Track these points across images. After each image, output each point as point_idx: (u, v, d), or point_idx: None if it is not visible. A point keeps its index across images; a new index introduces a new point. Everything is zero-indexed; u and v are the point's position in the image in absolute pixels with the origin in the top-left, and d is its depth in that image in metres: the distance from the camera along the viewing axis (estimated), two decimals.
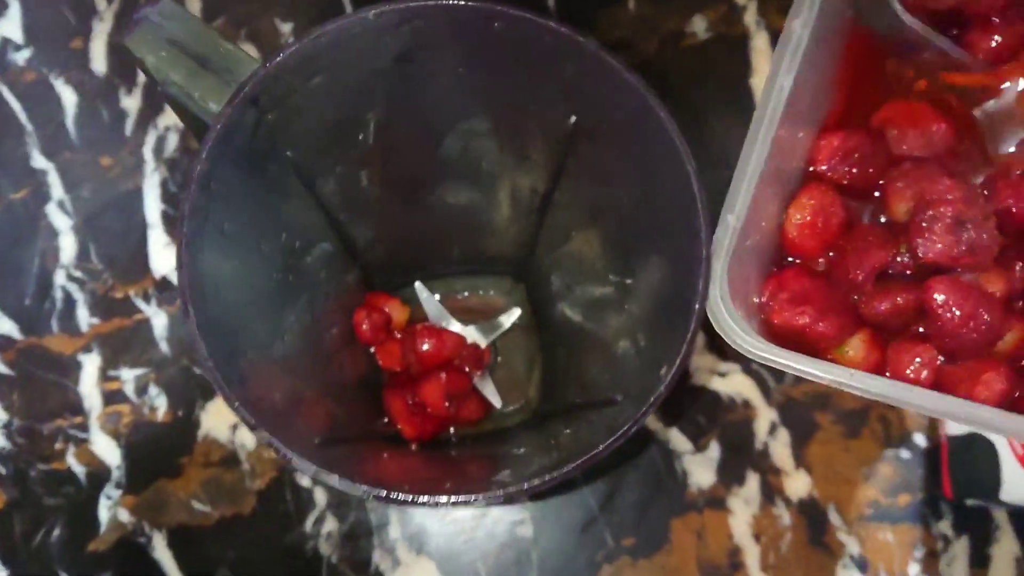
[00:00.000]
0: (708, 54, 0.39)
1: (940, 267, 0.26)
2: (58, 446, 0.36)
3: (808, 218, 0.27)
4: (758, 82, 0.38)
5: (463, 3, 0.21)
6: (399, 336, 0.33)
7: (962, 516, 0.34)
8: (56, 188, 0.38)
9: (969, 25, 0.29)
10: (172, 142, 0.39)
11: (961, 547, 0.34)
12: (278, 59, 0.21)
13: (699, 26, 0.39)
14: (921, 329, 0.26)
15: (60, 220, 0.38)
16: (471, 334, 0.34)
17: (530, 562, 0.34)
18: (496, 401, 0.34)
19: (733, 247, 0.24)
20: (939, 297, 0.25)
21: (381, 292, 0.34)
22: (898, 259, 0.26)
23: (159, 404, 0.36)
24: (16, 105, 0.39)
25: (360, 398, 0.31)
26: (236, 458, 0.35)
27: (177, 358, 0.36)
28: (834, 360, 0.26)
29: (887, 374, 0.26)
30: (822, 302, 0.26)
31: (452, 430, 0.33)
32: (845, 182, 0.27)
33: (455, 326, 0.34)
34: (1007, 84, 0.28)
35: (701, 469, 0.35)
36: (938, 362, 0.26)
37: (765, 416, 0.35)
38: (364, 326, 0.32)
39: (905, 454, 0.35)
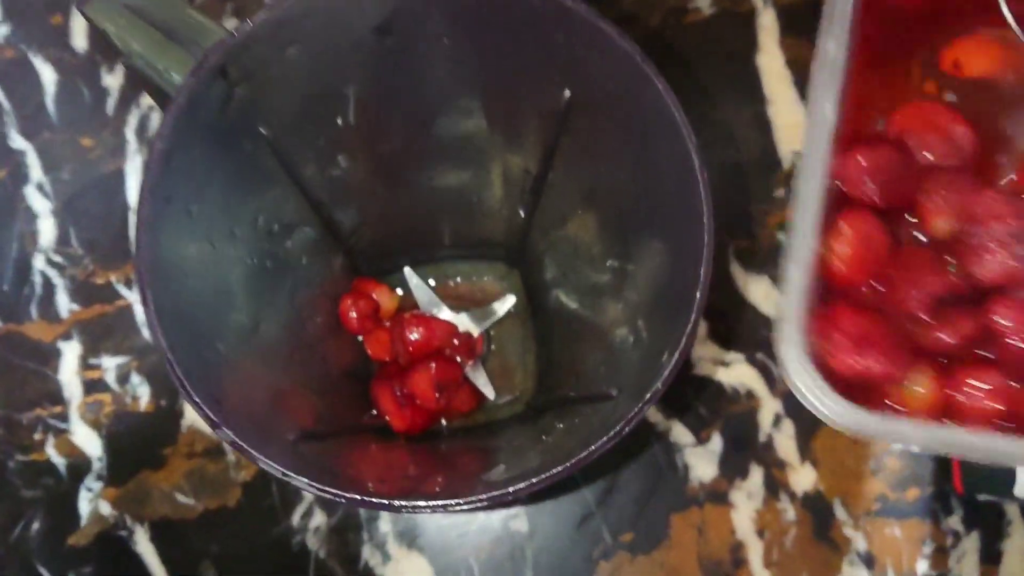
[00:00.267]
0: (713, 30, 0.38)
1: (998, 287, 0.24)
2: (37, 436, 0.35)
3: (853, 248, 0.25)
4: (765, 60, 0.37)
5: None
6: (388, 324, 0.32)
7: (973, 511, 0.33)
8: (35, 170, 0.37)
9: None
10: (155, 122, 0.38)
11: (971, 543, 0.33)
12: (247, 28, 0.19)
13: (703, 1, 0.38)
14: (986, 354, 0.25)
15: (39, 203, 0.37)
16: (463, 322, 0.33)
17: (524, 558, 0.33)
18: (489, 392, 0.33)
19: (804, 304, 0.22)
20: (1004, 320, 0.24)
21: (369, 278, 0.33)
22: (950, 280, 0.25)
23: (142, 393, 0.35)
24: None
25: (346, 390, 0.30)
26: (221, 449, 0.35)
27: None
28: (899, 400, 0.25)
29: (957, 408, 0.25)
30: (884, 341, 0.24)
31: (444, 422, 0.32)
32: (879, 202, 0.26)
33: (446, 313, 0.33)
34: None
35: (702, 462, 0.34)
36: (1009, 387, 0.24)
37: (769, 407, 0.34)
38: (351, 314, 0.31)
39: (914, 447, 0.34)
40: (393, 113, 0.25)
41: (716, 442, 0.34)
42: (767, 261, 0.35)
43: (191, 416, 0.35)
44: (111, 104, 0.38)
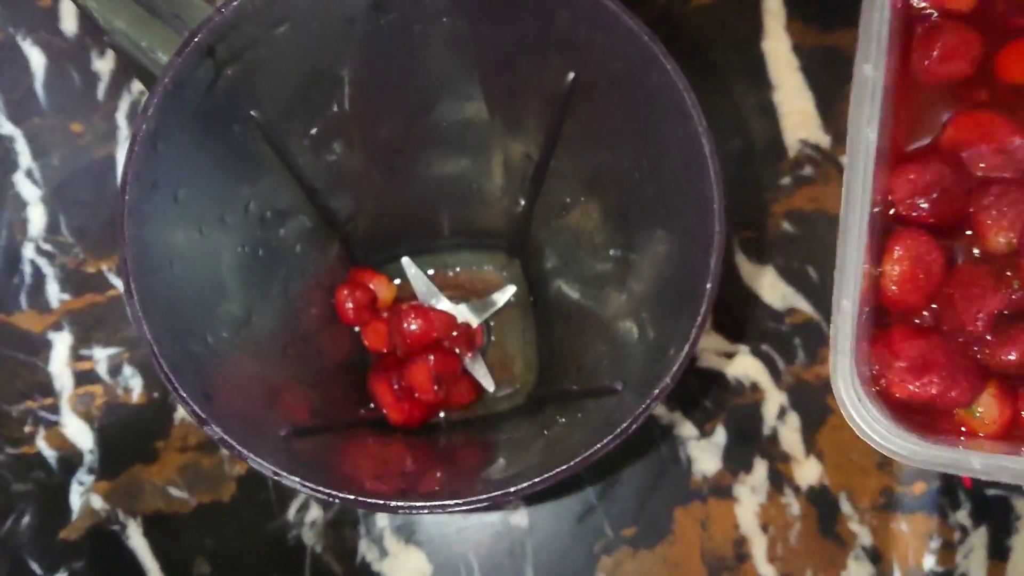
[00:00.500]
0: (718, 15, 0.37)
1: None
2: (27, 429, 0.34)
3: (906, 270, 0.24)
4: (770, 46, 0.36)
5: None
6: (386, 315, 0.32)
7: (981, 506, 0.33)
8: (24, 156, 0.37)
9: None
10: None
11: (979, 538, 0.33)
12: (235, 3, 0.18)
13: None
14: None
15: (28, 190, 0.36)
16: (462, 312, 0.32)
17: (524, 553, 0.33)
18: (489, 384, 0.32)
19: (857, 335, 0.21)
20: None
21: (365, 267, 0.32)
22: (1012, 296, 0.24)
23: (134, 385, 0.34)
24: None
25: (342, 383, 0.30)
26: (215, 443, 0.34)
27: None
28: (963, 423, 0.24)
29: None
30: (946, 365, 0.23)
31: (442, 415, 0.32)
32: (931, 220, 0.25)
33: (445, 304, 0.33)
34: None
35: (706, 455, 0.33)
36: None
37: (774, 400, 0.34)
38: (347, 305, 0.31)
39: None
40: (390, 97, 0.24)
41: (720, 435, 0.34)
42: (773, 251, 0.35)
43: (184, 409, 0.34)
44: (102, 89, 0.37)
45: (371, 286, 0.32)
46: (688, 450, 0.34)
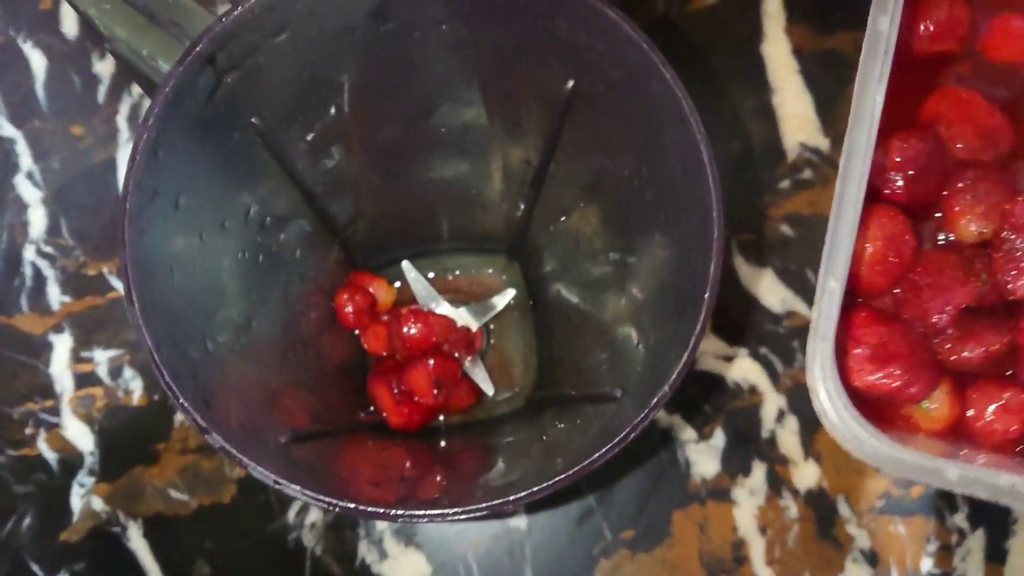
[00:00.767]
0: (717, 17, 0.37)
1: None
2: (28, 431, 0.34)
3: (878, 250, 0.22)
4: (770, 49, 0.36)
5: None
6: (385, 319, 0.32)
7: (978, 508, 0.33)
8: (24, 158, 0.37)
9: None
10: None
11: (977, 541, 0.33)
12: (235, 12, 0.18)
13: None
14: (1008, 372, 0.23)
15: (29, 192, 0.36)
16: (462, 316, 0.32)
17: (523, 554, 0.33)
18: (488, 388, 0.32)
19: (837, 321, 0.19)
20: None
21: (365, 271, 0.32)
22: (979, 290, 0.22)
23: (134, 387, 0.35)
24: None
25: (342, 387, 0.30)
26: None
27: None
28: (911, 419, 0.22)
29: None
30: (907, 357, 0.21)
31: (442, 418, 0.32)
32: (904, 199, 0.23)
33: (445, 307, 0.33)
34: None
35: (704, 458, 0.33)
36: None
37: (773, 402, 0.34)
38: (347, 308, 0.31)
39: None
40: (389, 102, 0.24)
41: (718, 438, 0.34)
42: (771, 254, 0.35)
43: None
44: (102, 92, 0.37)
45: (371, 290, 0.32)
46: (687, 453, 0.34)
